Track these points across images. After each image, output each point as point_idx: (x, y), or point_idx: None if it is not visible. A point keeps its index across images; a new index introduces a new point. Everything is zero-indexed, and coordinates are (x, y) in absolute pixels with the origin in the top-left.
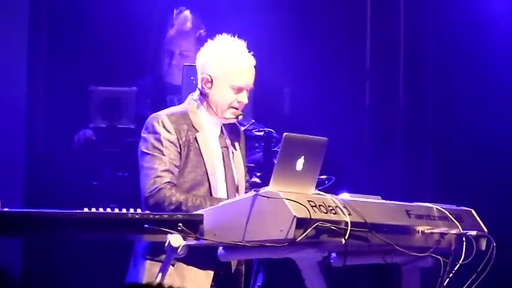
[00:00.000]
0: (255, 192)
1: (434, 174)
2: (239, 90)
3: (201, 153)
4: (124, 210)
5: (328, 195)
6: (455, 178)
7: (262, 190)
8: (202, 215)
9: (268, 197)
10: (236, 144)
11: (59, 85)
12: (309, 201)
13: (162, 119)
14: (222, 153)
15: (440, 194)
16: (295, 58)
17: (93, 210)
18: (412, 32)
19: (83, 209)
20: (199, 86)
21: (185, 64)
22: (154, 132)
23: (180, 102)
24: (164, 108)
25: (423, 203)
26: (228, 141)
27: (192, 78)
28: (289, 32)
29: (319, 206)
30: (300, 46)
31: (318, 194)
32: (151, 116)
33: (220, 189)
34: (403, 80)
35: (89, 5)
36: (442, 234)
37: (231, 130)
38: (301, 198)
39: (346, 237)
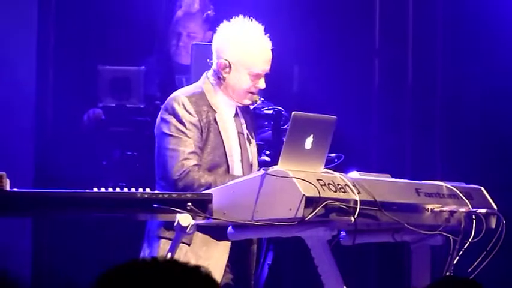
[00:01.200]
0: (263, 171)
1: (444, 152)
2: (257, 76)
3: (220, 134)
4: (133, 190)
5: (337, 174)
6: (465, 156)
7: (271, 169)
8: (211, 194)
9: (277, 176)
10: (251, 125)
11: (68, 64)
12: (318, 179)
13: (182, 101)
14: (238, 134)
15: (449, 172)
16: (305, 36)
17: (103, 189)
18: (420, 9)
19: (92, 189)
20: (214, 67)
21: (194, 43)
22: (176, 114)
23: (189, 81)
24: (172, 88)
25: (433, 181)
26: (243, 122)
27: (208, 60)
28: (298, 11)
29: (328, 184)
30: (309, 24)
31: (327, 172)
32: (171, 97)
33: (236, 170)
34: (412, 59)
35: None
36: (452, 212)
37: (244, 109)
38: (310, 177)
39: (355, 216)
